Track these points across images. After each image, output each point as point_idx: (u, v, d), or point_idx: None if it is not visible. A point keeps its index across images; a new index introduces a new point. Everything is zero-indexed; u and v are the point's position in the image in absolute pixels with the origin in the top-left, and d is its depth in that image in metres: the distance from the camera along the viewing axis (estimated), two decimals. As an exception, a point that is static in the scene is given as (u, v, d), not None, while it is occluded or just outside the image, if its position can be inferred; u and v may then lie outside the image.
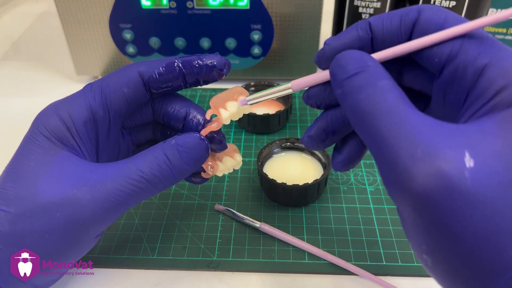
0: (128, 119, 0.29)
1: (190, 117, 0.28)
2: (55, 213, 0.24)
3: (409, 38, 0.22)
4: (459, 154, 0.16)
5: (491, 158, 0.16)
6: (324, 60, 0.24)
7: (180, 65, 0.27)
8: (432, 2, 0.47)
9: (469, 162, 0.16)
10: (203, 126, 0.28)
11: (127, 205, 0.25)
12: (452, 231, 0.16)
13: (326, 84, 0.24)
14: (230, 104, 0.27)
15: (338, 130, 0.25)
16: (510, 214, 0.16)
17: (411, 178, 0.17)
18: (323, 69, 0.24)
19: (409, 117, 0.18)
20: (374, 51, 0.22)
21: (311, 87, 0.25)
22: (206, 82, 0.28)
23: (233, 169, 0.30)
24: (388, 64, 0.22)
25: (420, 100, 0.24)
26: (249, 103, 0.27)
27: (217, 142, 0.28)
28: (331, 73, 0.22)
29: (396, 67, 0.24)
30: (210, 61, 0.27)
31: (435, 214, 0.17)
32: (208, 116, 0.28)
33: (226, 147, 0.28)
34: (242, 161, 0.31)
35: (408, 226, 0.19)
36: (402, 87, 0.20)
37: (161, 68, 0.27)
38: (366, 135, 0.19)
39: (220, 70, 0.28)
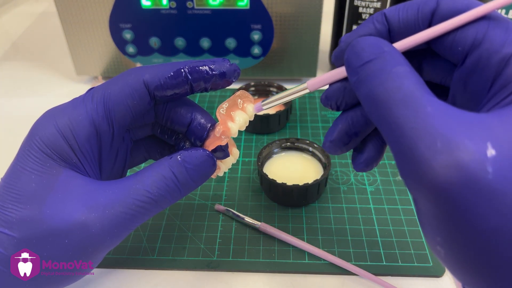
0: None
1: (195, 123, 0.27)
2: (64, 239, 0.23)
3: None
4: (480, 145, 0.16)
5: None
6: (341, 57, 0.23)
7: (188, 74, 0.25)
8: None
9: (491, 154, 0.16)
10: (208, 134, 0.27)
11: (133, 227, 0.25)
12: (470, 224, 0.16)
13: (345, 82, 0.23)
14: (237, 115, 0.26)
15: (360, 131, 0.24)
16: None
17: (430, 170, 0.16)
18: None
19: (427, 105, 0.17)
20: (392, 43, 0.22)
21: (329, 87, 0.24)
22: (214, 90, 0.27)
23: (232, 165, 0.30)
24: (408, 57, 0.22)
25: (439, 94, 0.24)
26: (264, 107, 0.26)
27: (220, 151, 0.27)
28: (345, 61, 0.21)
29: (416, 61, 0.23)
30: (219, 71, 0.26)
31: (453, 208, 0.16)
32: (218, 134, 0.27)
33: (228, 155, 0.28)
34: (242, 161, 0.31)
35: (424, 218, 0.18)
36: None
37: (167, 78, 0.25)
38: (382, 124, 0.19)
39: (228, 78, 0.26)
